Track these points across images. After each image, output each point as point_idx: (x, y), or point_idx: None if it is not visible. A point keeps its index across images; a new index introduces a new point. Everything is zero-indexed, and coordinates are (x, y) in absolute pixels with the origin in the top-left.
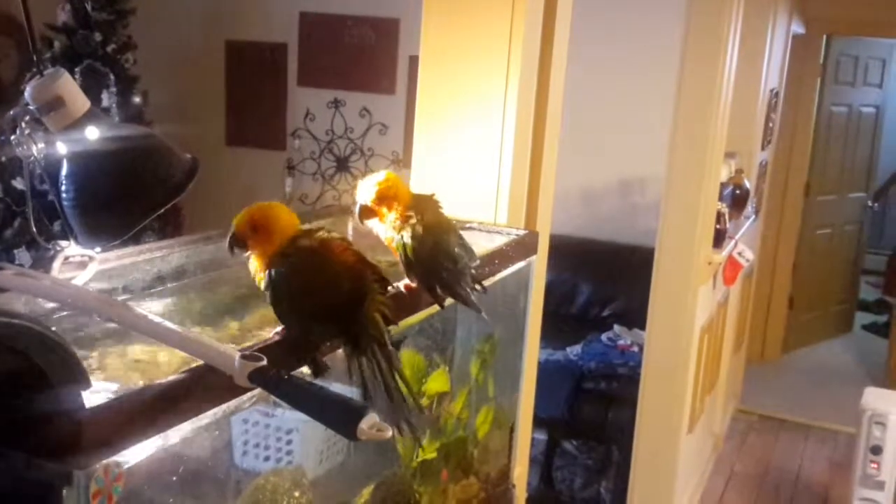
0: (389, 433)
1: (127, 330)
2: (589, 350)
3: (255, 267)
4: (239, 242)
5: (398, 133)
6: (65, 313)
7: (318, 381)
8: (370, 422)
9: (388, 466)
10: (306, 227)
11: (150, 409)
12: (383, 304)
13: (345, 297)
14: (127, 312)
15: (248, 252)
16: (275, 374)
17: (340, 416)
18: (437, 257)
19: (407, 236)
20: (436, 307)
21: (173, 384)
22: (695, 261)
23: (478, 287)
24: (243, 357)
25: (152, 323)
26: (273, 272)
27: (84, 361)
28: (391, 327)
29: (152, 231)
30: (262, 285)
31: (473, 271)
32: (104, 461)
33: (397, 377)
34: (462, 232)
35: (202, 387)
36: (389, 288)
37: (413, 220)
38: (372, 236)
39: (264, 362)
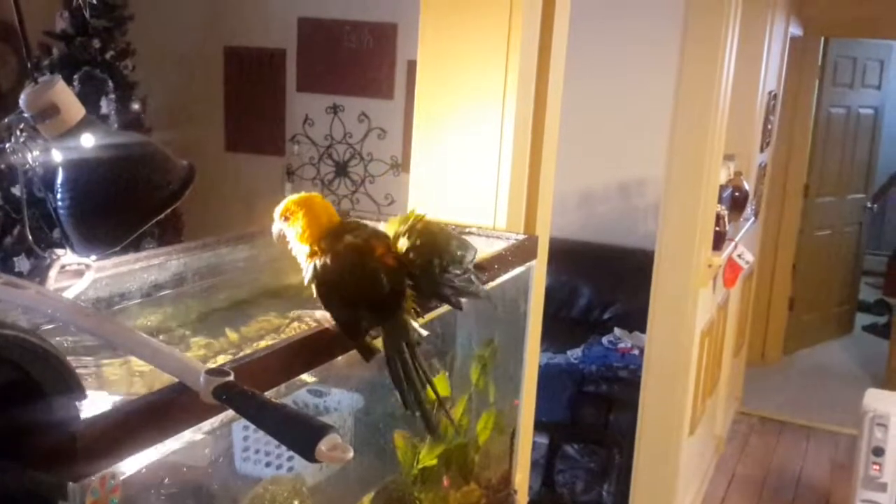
0: (350, 455)
1: (103, 341)
2: (589, 353)
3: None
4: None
5: (397, 137)
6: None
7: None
8: (330, 443)
9: (389, 473)
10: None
11: (147, 418)
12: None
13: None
14: (101, 324)
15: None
16: (238, 390)
17: (299, 436)
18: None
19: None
20: (439, 310)
21: (171, 393)
22: (694, 263)
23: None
24: (209, 373)
25: (125, 335)
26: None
27: (82, 371)
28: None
29: (152, 237)
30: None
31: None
32: (100, 472)
33: (422, 375)
34: (462, 236)
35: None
36: None
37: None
38: None
39: (230, 378)
